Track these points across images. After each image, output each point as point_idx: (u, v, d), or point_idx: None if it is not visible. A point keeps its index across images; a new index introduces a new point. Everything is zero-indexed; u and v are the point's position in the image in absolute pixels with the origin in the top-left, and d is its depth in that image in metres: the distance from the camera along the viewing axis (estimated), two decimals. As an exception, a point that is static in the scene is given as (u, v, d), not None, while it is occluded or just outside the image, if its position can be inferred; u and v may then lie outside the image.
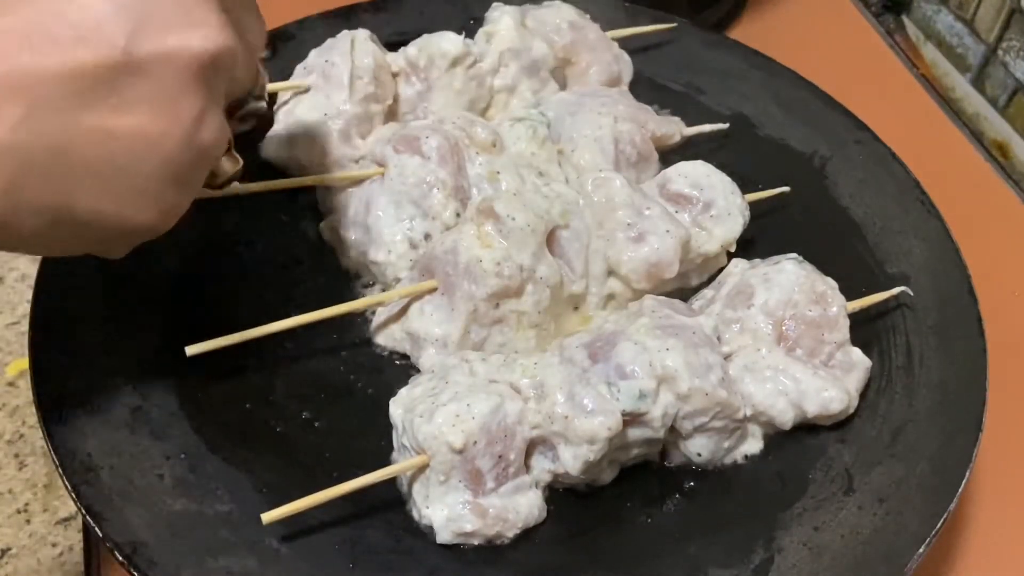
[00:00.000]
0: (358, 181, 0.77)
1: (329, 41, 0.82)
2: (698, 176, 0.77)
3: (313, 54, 0.82)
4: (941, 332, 0.74)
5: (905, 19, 1.21)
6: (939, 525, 0.62)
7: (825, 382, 0.67)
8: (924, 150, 0.91)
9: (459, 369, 0.65)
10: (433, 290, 0.70)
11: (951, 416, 0.68)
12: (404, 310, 0.71)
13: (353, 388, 0.71)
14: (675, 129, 0.85)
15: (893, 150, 0.85)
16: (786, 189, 0.82)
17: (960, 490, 0.64)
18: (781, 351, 0.69)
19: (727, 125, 0.88)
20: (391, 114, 0.83)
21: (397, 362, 0.72)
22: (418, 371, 0.70)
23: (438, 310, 0.69)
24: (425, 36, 0.83)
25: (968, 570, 0.73)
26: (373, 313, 0.74)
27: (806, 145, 0.88)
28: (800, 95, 0.90)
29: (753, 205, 0.78)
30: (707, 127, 0.87)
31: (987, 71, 1.09)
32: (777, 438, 0.69)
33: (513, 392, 0.63)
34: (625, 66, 0.90)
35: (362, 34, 0.81)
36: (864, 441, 0.69)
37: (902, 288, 0.75)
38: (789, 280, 0.70)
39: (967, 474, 0.64)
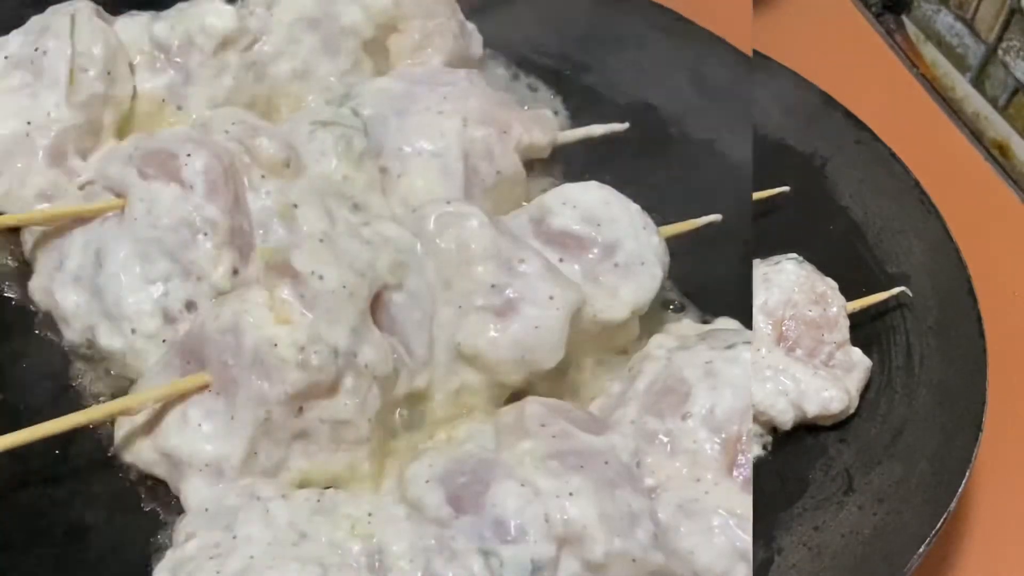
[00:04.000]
0: (82, 220, 0.53)
1: (37, 19, 0.58)
2: (592, 205, 0.53)
3: (16, 40, 0.57)
4: (941, 332, 0.73)
5: (905, 19, 1.21)
6: (939, 525, 0.62)
7: (825, 382, 0.67)
8: (924, 150, 0.91)
9: (249, 513, 0.43)
10: (203, 388, 0.49)
11: (951, 416, 0.68)
12: (159, 418, 0.50)
13: (85, 534, 0.49)
14: (549, 131, 0.62)
15: (893, 150, 0.85)
16: (786, 189, 0.82)
17: (960, 490, 0.64)
18: (781, 351, 0.69)
19: (626, 125, 0.76)
20: (128, 122, 0.59)
21: (150, 493, 0.51)
22: (182, 510, 0.49)
23: (210, 418, 0.48)
24: (179, 6, 0.60)
25: (968, 570, 0.73)
26: (114, 422, 0.52)
27: (806, 145, 0.87)
28: (800, 95, 0.90)
29: (753, 205, 0.78)
30: (599, 128, 0.73)
31: (987, 71, 1.09)
32: (777, 438, 0.69)
33: (340, 561, 0.42)
34: (474, 40, 0.64)
35: (86, 9, 0.58)
36: (864, 441, 0.69)
37: (902, 288, 0.75)
38: (789, 280, 0.70)
39: (967, 474, 0.64)
